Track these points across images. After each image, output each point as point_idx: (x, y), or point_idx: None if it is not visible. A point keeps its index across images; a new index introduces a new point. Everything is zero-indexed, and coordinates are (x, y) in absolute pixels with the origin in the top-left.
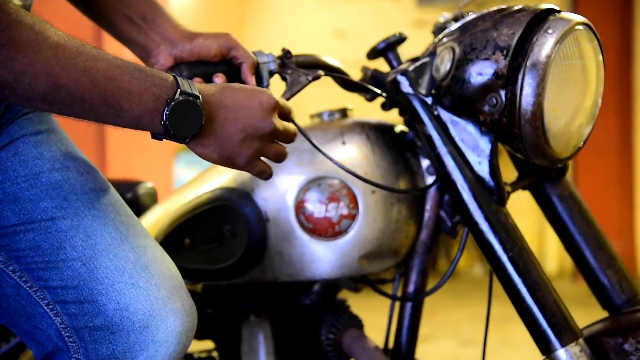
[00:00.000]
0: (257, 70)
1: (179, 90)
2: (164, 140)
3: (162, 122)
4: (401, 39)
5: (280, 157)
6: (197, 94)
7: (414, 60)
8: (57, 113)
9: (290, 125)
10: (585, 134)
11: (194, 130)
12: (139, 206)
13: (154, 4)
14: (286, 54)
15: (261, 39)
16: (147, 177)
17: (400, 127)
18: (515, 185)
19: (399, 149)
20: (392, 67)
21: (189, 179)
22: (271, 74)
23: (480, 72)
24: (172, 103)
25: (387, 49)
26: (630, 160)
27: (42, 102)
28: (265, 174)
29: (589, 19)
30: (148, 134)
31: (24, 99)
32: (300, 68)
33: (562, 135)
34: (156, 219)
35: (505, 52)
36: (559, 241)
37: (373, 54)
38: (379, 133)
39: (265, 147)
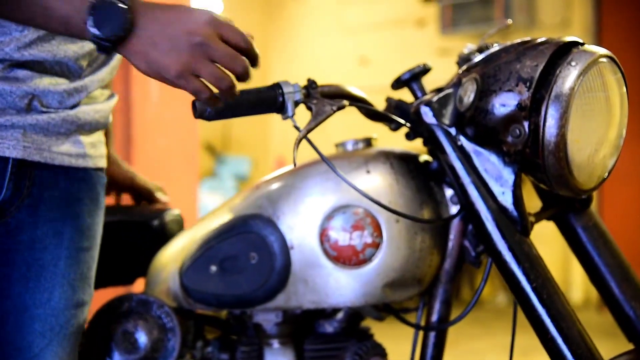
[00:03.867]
0: (282, 100)
1: None
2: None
3: (85, 22)
4: (425, 70)
5: (217, 80)
6: None
7: (438, 90)
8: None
9: (233, 53)
10: (610, 166)
11: (118, 33)
12: (166, 233)
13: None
14: (311, 84)
15: (286, 67)
16: (172, 204)
17: (424, 157)
18: (539, 216)
19: (423, 178)
20: (416, 97)
21: (215, 206)
22: (296, 103)
23: (503, 104)
24: (96, 2)
25: (412, 79)
26: None
27: None
28: (202, 94)
29: (613, 49)
30: (175, 163)
31: None
32: (325, 98)
33: (586, 167)
34: (182, 245)
35: (528, 84)
36: (583, 270)
37: (397, 84)
38: (403, 162)
39: (198, 64)
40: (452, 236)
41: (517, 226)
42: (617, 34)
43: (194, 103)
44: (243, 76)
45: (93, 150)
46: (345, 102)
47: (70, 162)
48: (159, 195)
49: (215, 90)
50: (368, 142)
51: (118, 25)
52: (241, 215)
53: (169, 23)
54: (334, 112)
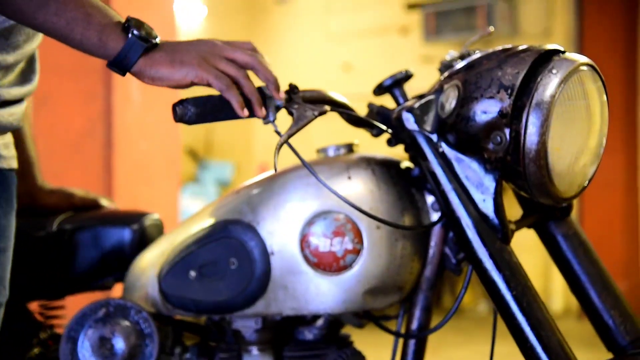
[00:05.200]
0: (264, 104)
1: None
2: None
3: (125, 25)
4: (407, 76)
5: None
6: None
7: (420, 97)
8: (32, 14)
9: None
10: (590, 174)
11: (153, 36)
12: (145, 237)
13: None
14: (293, 89)
15: None
16: (153, 208)
17: (406, 163)
18: (520, 224)
19: (404, 184)
20: (398, 103)
21: (195, 211)
22: (278, 108)
23: (485, 111)
24: (132, 19)
25: (394, 85)
26: (635, 198)
27: None
28: (220, 82)
29: (595, 58)
30: (156, 167)
31: None
32: (306, 103)
33: (567, 175)
34: (161, 250)
35: (509, 91)
36: (564, 280)
37: (379, 90)
38: (385, 168)
39: (215, 58)
40: (432, 243)
41: (497, 234)
42: (598, 43)
43: (174, 107)
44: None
45: (6, 152)
46: (327, 107)
47: None
48: (104, 202)
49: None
50: (350, 147)
51: (153, 33)
52: (221, 220)
53: (187, 42)
54: (315, 117)
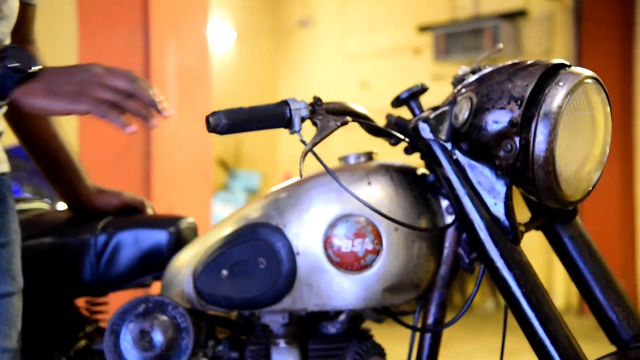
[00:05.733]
0: (289, 115)
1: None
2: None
3: (2, 55)
4: (423, 89)
5: (114, 97)
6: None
7: (435, 108)
8: None
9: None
10: (594, 180)
11: (32, 66)
12: (181, 239)
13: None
14: (317, 101)
15: (293, 90)
16: (187, 214)
17: (422, 170)
18: (529, 226)
19: (420, 190)
20: (414, 114)
21: (226, 215)
22: (303, 119)
23: (496, 121)
24: (9, 47)
25: (410, 98)
26: (632, 203)
27: None
28: (98, 109)
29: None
30: (191, 177)
31: None
32: (329, 114)
33: (573, 180)
34: (195, 251)
35: (519, 102)
36: (566, 278)
37: (397, 102)
38: (402, 175)
39: (93, 88)
40: (447, 244)
41: (508, 235)
42: (596, 63)
43: (207, 118)
44: (142, 93)
45: None
46: (348, 118)
47: None
48: (148, 207)
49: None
50: (369, 156)
51: (33, 63)
52: (250, 223)
53: (65, 67)
54: (338, 127)
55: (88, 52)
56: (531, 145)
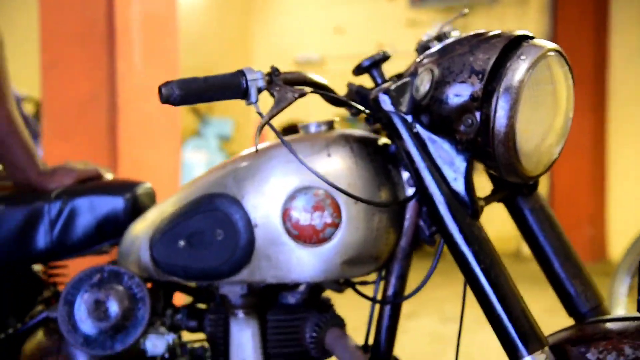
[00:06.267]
0: (246, 86)
1: None
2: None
3: None
4: (385, 57)
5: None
6: None
7: (396, 77)
8: None
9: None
10: (556, 153)
11: None
12: (138, 205)
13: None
14: (274, 71)
15: (268, 38)
16: (156, 167)
17: (383, 140)
18: (489, 199)
19: (381, 161)
20: (376, 83)
21: (196, 162)
22: (259, 90)
23: (457, 94)
24: None
25: (372, 66)
26: (602, 155)
27: None
28: None
29: (568, 24)
30: (158, 129)
31: None
32: (287, 85)
33: (533, 155)
34: (152, 220)
35: (480, 76)
36: None
37: (358, 70)
38: (363, 146)
39: None
40: (408, 216)
41: (467, 210)
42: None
43: (159, 88)
44: None
45: None
46: (307, 89)
47: None
48: (104, 172)
49: None
50: (330, 124)
51: None
52: (208, 193)
53: None
54: (296, 99)
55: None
56: (492, 120)
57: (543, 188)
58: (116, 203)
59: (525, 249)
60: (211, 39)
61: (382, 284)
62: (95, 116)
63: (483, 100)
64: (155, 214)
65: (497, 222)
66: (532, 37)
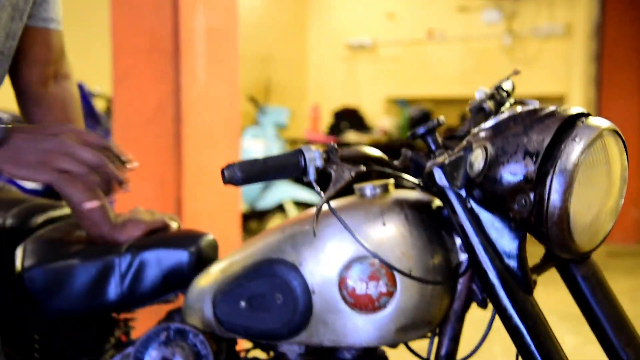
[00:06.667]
0: (304, 165)
1: None
2: None
3: None
4: (439, 124)
5: (74, 167)
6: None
7: (449, 137)
8: None
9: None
10: (609, 229)
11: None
12: (202, 257)
13: None
14: (332, 149)
15: (321, 23)
16: (216, 171)
17: (437, 202)
18: (542, 269)
19: (435, 227)
20: (430, 149)
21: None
22: (317, 169)
23: (510, 175)
24: None
25: (427, 133)
26: None
27: None
28: (60, 183)
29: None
30: (218, 136)
31: None
32: (344, 162)
33: (587, 233)
34: (215, 277)
35: (534, 157)
36: None
37: (413, 137)
38: (417, 212)
39: (57, 159)
40: (461, 280)
41: (521, 285)
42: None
43: (222, 171)
44: (105, 167)
45: None
46: (363, 167)
47: None
48: (170, 222)
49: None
50: (385, 187)
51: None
52: (267, 258)
53: (35, 130)
54: (352, 178)
55: (119, 17)
56: (545, 202)
57: None
58: (181, 256)
59: None
60: (268, 27)
61: (435, 341)
62: (162, 126)
63: (537, 182)
64: (218, 272)
65: None
66: (587, 115)
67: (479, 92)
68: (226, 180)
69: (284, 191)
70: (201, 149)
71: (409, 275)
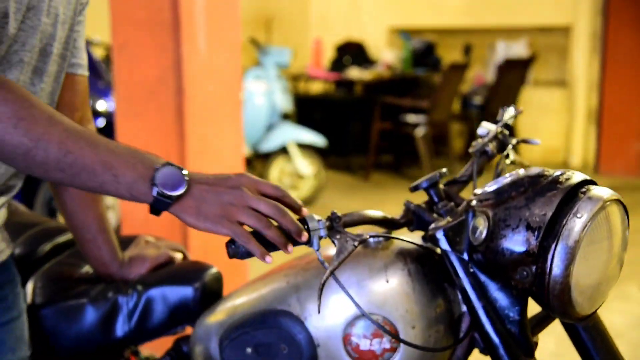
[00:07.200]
0: (308, 235)
1: (164, 161)
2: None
3: (152, 182)
4: (441, 176)
5: (256, 222)
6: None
7: (452, 182)
8: (68, 183)
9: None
10: (608, 292)
11: (179, 191)
12: (207, 291)
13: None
14: (335, 218)
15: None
16: (219, 143)
17: (439, 253)
18: (542, 326)
19: (437, 280)
20: (432, 201)
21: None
22: (321, 238)
23: (512, 248)
24: (160, 168)
25: (430, 187)
26: None
27: (55, 169)
28: (241, 237)
29: None
30: (221, 107)
31: (41, 166)
32: (347, 230)
33: (587, 300)
34: (221, 321)
35: (536, 233)
36: (584, 138)
37: (415, 189)
38: (419, 266)
39: (238, 211)
40: (463, 328)
41: (522, 349)
42: None
43: (227, 245)
44: (283, 219)
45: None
46: (366, 236)
47: None
48: (175, 254)
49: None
50: (387, 237)
51: (179, 185)
52: (273, 309)
53: (215, 182)
54: (355, 247)
55: None
56: (547, 275)
57: (593, 104)
58: (186, 292)
59: (574, 160)
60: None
61: None
62: (164, 98)
63: (538, 255)
64: (224, 315)
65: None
66: (591, 182)
67: (482, 129)
68: (231, 255)
69: (287, 133)
70: (204, 121)
71: (414, 345)
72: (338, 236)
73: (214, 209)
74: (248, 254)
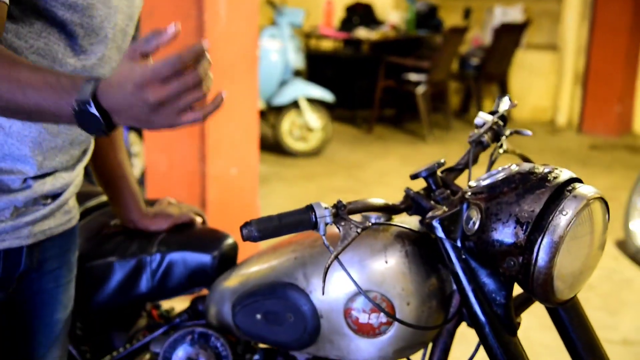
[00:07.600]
0: (315, 220)
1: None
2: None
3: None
4: (440, 166)
5: (186, 97)
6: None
7: (449, 170)
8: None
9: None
10: (588, 278)
11: (100, 132)
12: (223, 260)
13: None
14: (340, 206)
15: None
16: (235, 104)
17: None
18: (524, 307)
19: (432, 261)
20: (431, 189)
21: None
22: (327, 224)
23: (501, 240)
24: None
25: (429, 176)
26: (638, 38)
27: None
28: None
29: None
30: (238, 70)
31: None
32: (352, 217)
33: (569, 287)
34: (234, 289)
35: (524, 228)
36: (571, 98)
37: (415, 177)
38: (416, 248)
39: (161, 102)
40: (453, 303)
41: (506, 328)
42: None
43: (241, 229)
44: (199, 85)
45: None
46: (369, 224)
47: (65, 227)
48: (196, 218)
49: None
50: (389, 217)
51: (98, 127)
52: (281, 281)
53: (121, 92)
54: (359, 234)
55: None
56: (532, 266)
57: (580, 67)
58: (205, 259)
59: (560, 119)
60: None
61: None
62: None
63: (525, 248)
64: (237, 283)
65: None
66: (577, 180)
67: (479, 119)
68: (244, 238)
69: (299, 89)
70: (223, 85)
71: (407, 324)
72: (343, 223)
73: (140, 113)
74: (260, 238)
